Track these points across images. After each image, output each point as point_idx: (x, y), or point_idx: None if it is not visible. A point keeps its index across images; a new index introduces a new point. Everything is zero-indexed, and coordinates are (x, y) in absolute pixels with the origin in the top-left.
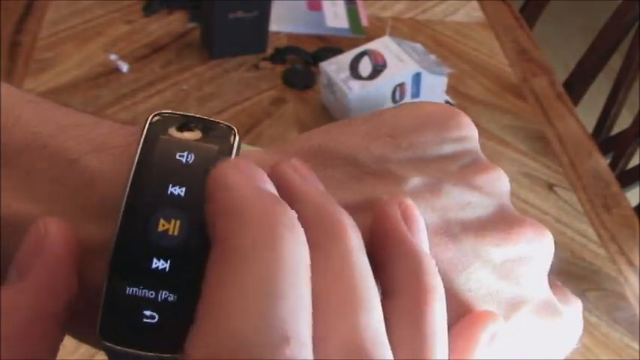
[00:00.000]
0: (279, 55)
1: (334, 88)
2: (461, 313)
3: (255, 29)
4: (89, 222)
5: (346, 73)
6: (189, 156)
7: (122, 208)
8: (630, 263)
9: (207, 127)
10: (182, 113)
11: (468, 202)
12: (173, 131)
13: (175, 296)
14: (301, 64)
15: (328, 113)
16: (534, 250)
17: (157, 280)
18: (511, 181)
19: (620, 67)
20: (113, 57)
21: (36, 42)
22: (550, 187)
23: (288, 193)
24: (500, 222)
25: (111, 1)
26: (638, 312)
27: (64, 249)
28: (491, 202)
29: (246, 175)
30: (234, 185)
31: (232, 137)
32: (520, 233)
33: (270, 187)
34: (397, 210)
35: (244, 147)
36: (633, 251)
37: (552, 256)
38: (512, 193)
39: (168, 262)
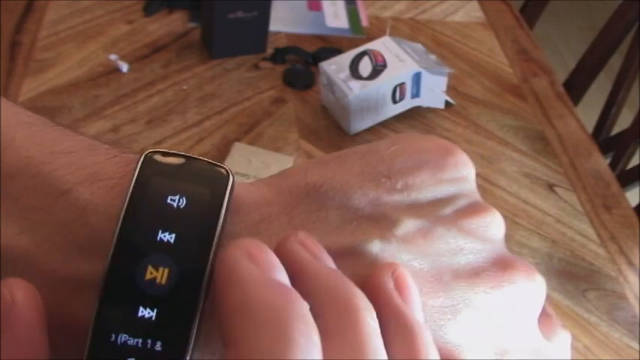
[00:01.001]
0: (279, 55)
1: (334, 88)
2: None
3: (255, 29)
4: (78, 256)
5: (346, 73)
6: (181, 200)
7: (111, 253)
8: (630, 263)
9: (200, 167)
10: (177, 152)
11: (461, 247)
12: (159, 157)
13: (162, 345)
14: (301, 64)
15: (328, 113)
16: (524, 295)
17: (144, 328)
18: (511, 181)
19: (620, 67)
20: (113, 57)
21: (36, 42)
22: (550, 187)
23: (298, 274)
24: (492, 268)
25: (111, 1)
26: (638, 312)
27: (33, 317)
28: (485, 247)
29: (258, 265)
30: (245, 281)
31: (225, 178)
32: (511, 280)
33: (282, 276)
34: (390, 280)
35: (243, 147)
36: (633, 251)
37: (543, 299)
38: (513, 193)
39: (155, 310)
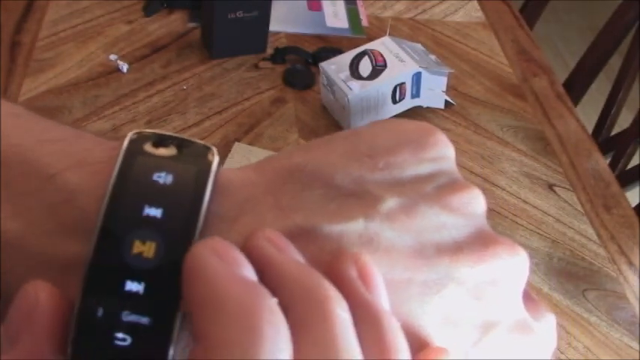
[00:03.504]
0: (279, 55)
1: (334, 88)
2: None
3: (255, 29)
4: (66, 238)
5: (346, 73)
6: (167, 177)
7: (97, 229)
8: (630, 263)
9: (185, 145)
10: (161, 132)
11: (443, 223)
12: (149, 147)
13: (149, 319)
14: (301, 64)
15: (328, 113)
16: (508, 269)
17: (131, 302)
18: (511, 181)
19: (620, 67)
20: (113, 57)
21: (36, 42)
22: (550, 187)
23: (266, 270)
24: (474, 243)
25: (111, 1)
26: (638, 312)
27: (54, 318)
28: (467, 222)
29: (224, 261)
30: (212, 276)
31: (211, 156)
32: (494, 254)
33: (249, 272)
34: (353, 269)
35: (243, 147)
36: (633, 251)
37: (527, 273)
38: (513, 193)
39: (142, 284)
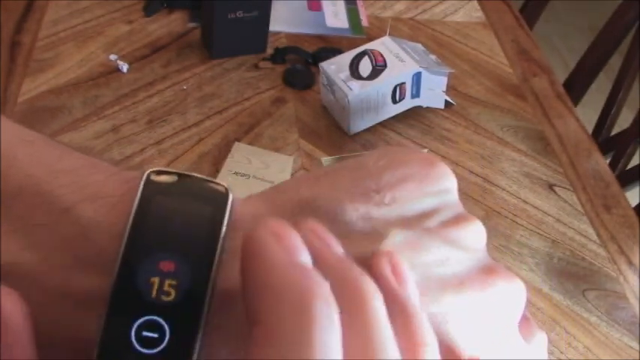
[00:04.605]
0: (279, 55)
1: (334, 88)
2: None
3: (255, 29)
4: (82, 273)
5: (346, 73)
6: (184, 216)
7: (116, 271)
8: (630, 263)
9: (198, 182)
10: (177, 171)
11: (447, 257)
12: (161, 177)
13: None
14: (301, 64)
15: (328, 113)
16: (506, 298)
17: (151, 341)
18: (511, 181)
19: (620, 67)
20: (113, 57)
21: (36, 42)
22: (550, 187)
23: (313, 259)
24: (476, 276)
25: (111, 1)
26: (638, 312)
27: (20, 325)
28: (469, 256)
29: (283, 246)
30: (272, 262)
31: (225, 194)
32: (494, 283)
33: (307, 258)
34: (388, 266)
35: (243, 147)
36: (633, 251)
37: (524, 302)
38: (513, 193)
39: (163, 321)
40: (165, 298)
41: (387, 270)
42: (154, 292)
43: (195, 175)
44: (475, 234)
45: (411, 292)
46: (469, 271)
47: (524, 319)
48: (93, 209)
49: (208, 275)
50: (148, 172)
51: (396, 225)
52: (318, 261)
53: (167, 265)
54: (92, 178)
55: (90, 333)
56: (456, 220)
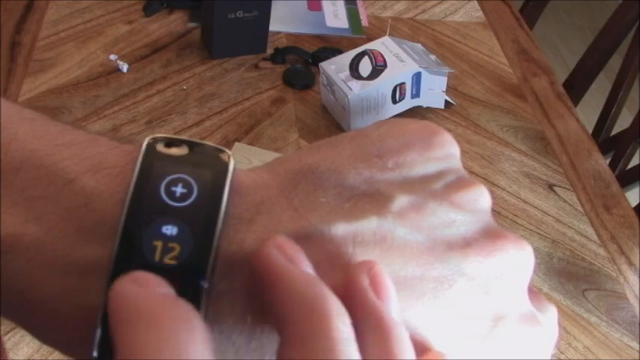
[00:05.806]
0: (279, 55)
1: (334, 88)
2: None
3: (255, 29)
4: (85, 242)
5: (346, 73)
6: (185, 180)
7: (119, 234)
8: (630, 263)
9: (198, 147)
10: (178, 137)
11: (452, 220)
12: (162, 147)
13: None
14: (301, 64)
15: (328, 113)
16: (515, 263)
17: None
18: (511, 181)
19: (620, 67)
20: (113, 57)
21: (36, 42)
22: (550, 187)
23: (273, 280)
24: (482, 239)
25: (111, 1)
26: (638, 312)
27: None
28: (474, 219)
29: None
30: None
31: (226, 158)
32: (502, 249)
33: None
34: (365, 278)
35: (243, 147)
36: (633, 251)
37: (532, 267)
38: (513, 193)
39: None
40: (168, 261)
41: (364, 282)
42: (158, 255)
43: (198, 141)
44: (480, 197)
45: (391, 303)
46: (476, 233)
47: (534, 292)
48: (96, 180)
49: (212, 238)
50: (148, 139)
51: (401, 188)
52: (279, 279)
53: (170, 229)
54: (94, 150)
55: (95, 302)
56: (461, 184)
